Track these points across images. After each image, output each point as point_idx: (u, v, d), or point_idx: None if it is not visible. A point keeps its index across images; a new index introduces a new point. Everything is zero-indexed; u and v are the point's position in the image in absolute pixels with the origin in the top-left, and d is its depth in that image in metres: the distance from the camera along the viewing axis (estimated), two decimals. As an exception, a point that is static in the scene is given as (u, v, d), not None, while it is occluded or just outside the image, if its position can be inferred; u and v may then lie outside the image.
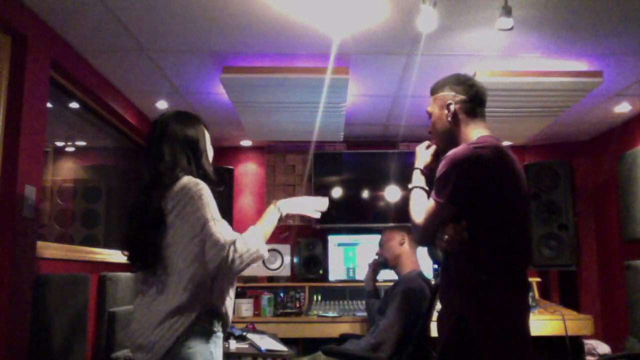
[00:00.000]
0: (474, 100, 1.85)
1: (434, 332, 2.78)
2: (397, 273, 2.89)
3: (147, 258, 1.70)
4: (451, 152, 1.73)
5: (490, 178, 1.68)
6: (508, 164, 1.73)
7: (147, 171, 1.77)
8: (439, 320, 1.83)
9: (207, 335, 1.69)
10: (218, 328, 1.73)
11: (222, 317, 1.74)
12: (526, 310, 1.77)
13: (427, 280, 2.79)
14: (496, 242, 1.70)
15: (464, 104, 1.84)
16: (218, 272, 1.66)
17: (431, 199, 1.75)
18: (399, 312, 2.65)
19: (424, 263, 2.91)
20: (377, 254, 3.00)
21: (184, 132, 1.81)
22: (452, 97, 1.85)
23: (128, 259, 1.76)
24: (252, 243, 1.69)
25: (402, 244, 2.85)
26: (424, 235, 1.81)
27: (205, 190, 1.70)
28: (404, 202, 1.91)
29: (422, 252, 2.95)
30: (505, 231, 1.70)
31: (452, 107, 1.83)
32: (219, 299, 1.72)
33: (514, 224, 1.72)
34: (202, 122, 1.90)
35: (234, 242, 1.64)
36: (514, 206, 1.73)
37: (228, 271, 1.65)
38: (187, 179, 1.72)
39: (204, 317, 1.68)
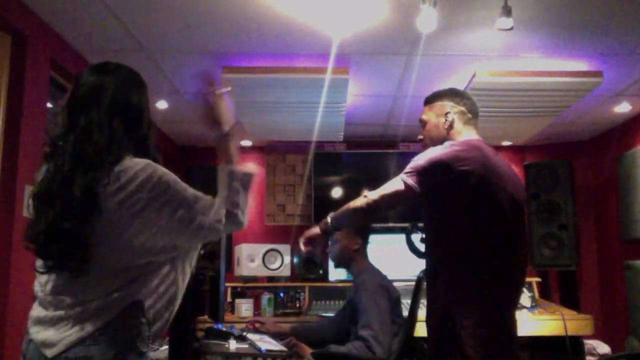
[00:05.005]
0: (471, 112, 1.97)
1: (422, 332, 2.74)
2: (351, 274, 2.87)
3: (75, 254, 1.20)
4: (431, 148, 1.85)
5: (464, 175, 1.73)
6: (486, 162, 1.77)
7: (71, 144, 1.26)
8: (426, 317, 1.88)
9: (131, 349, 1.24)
10: (148, 346, 1.27)
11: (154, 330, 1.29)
12: (512, 306, 1.80)
13: (381, 274, 2.77)
14: (479, 239, 1.75)
15: (462, 114, 1.95)
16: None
17: (401, 179, 1.81)
18: (371, 308, 2.58)
19: (409, 260, 2.79)
20: (329, 250, 2.93)
21: (127, 96, 1.34)
22: (450, 106, 1.96)
23: (46, 257, 1.24)
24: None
25: (356, 250, 2.81)
26: (376, 210, 1.85)
27: (167, 173, 1.30)
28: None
29: (406, 251, 2.77)
30: (482, 226, 1.75)
31: (450, 116, 1.94)
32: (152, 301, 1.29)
33: (493, 221, 1.76)
34: (144, 82, 1.44)
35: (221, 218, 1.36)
36: (494, 204, 1.76)
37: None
38: (132, 161, 1.28)
39: (128, 320, 1.24)
